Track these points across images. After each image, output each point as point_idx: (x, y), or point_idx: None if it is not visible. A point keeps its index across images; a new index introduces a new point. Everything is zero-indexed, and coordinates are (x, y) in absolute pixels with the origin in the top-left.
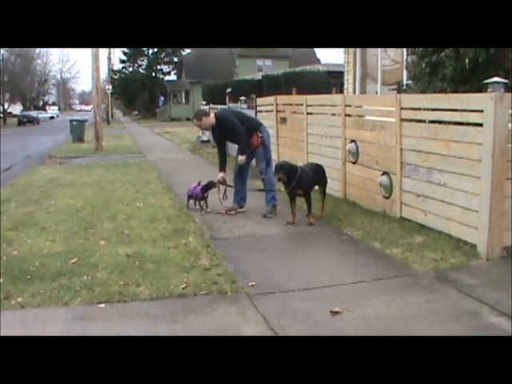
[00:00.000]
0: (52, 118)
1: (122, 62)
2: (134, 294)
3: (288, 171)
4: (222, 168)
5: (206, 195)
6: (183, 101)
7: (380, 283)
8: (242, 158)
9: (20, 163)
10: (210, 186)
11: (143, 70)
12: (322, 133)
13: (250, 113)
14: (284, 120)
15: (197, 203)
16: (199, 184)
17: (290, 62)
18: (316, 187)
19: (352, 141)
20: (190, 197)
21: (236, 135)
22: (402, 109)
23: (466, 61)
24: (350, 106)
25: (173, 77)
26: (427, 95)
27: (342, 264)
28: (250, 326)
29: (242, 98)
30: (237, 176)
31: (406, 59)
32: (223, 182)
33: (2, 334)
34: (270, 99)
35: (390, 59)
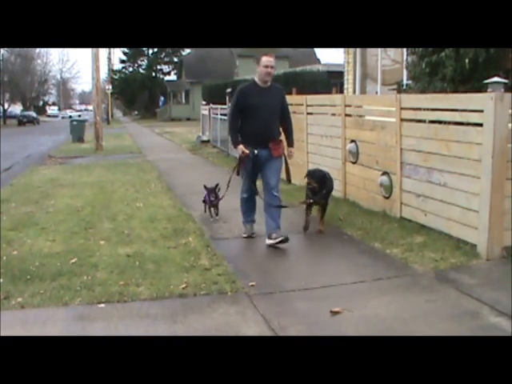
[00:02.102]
0: (80, 116)
1: (122, 61)
2: (134, 293)
3: (321, 179)
4: (238, 140)
5: (213, 200)
6: (183, 101)
7: (380, 283)
8: (294, 150)
9: (20, 163)
10: (215, 188)
11: (143, 70)
12: (322, 133)
13: None
14: None
15: (207, 209)
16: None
17: (289, 62)
18: None
19: (352, 141)
20: (204, 201)
21: (290, 118)
22: (401, 109)
23: (466, 61)
24: (350, 106)
25: (173, 77)
26: (427, 95)
27: (342, 264)
28: (250, 326)
29: None
30: (250, 196)
31: (406, 59)
32: (248, 155)
33: (2, 334)
34: None
35: (390, 59)
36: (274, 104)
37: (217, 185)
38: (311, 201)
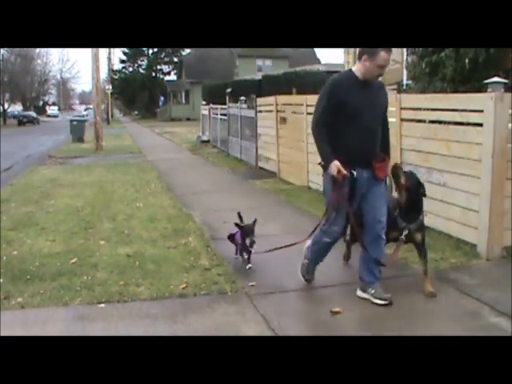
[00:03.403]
0: (87, 115)
1: (122, 61)
2: (134, 293)
3: (417, 187)
4: (333, 154)
5: (248, 243)
6: (183, 101)
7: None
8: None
9: (20, 163)
10: (253, 228)
11: (143, 70)
12: None
13: (251, 113)
14: (284, 120)
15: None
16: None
17: (289, 62)
18: None
19: None
20: (230, 239)
21: (388, 124)
22: (402, 109)
23: (466, 61)
24: None
25: (173, 77)
26: (427, 95)
27: (342, 264)
28: (250, 326)
29: (242, 97)
30: (334, 241)
31: (406, 59)
32: (346, 176)
33: (2, 334)
34: (270, 99)
35: (390, 59)
36: (379, 106)
37: (255, 222)
38: (406, 233)
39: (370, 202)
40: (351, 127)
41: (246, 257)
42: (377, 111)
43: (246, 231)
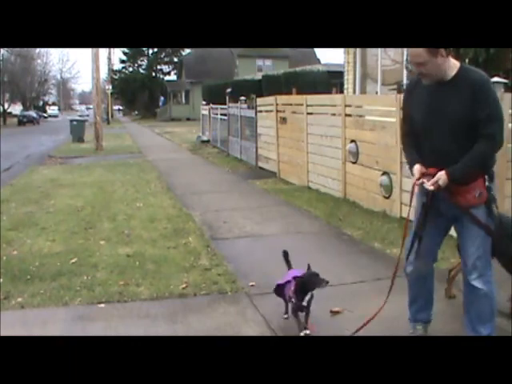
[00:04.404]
0: (88, 115)
1: (122, 62)
2: (134, 293)
3: None
4: (417, 158)
5: (303, 301)
6: (183, 101)
7: (380, 283)
8: (445, 179)
9: (20, 163)
10: (310, 284)
11: (143, 70)
12: (322, 133)
13: (251, 113)
14: (284, 120)
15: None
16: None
17: (289, 62)
18: None
19: (352, 141)
20: (282, 296)
21: (492, 135)
22: (402, 109)
23: (466, 61)
24: (350, 106)
25: (173, 77)
26: None
27: (342, 264)
28: (250, 325)
29: (242, 97)
30: (420, 270)
31: (406, 59)
32: (423, 179)
33: (2, 334)
34: (270, 99)
35: (390, 59)
36: (456, 113)
37: (318, 276)
38: None
39: (460, 240)
40: (419, 142)
41: (301, 318)
42: (451, 122)
43: (306, 285)
